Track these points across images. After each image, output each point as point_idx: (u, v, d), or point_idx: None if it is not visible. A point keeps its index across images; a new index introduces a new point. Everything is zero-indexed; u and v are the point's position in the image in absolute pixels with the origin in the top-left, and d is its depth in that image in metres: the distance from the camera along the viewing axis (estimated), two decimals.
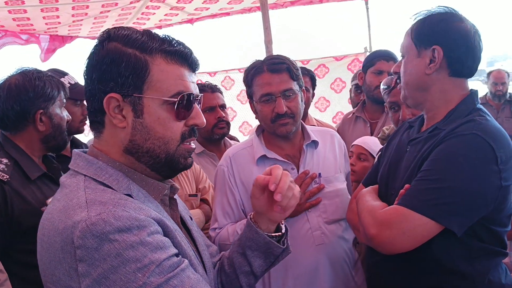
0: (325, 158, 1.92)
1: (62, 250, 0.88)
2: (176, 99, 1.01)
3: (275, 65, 1.79)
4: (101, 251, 0.85)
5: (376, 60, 2.92)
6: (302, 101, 1.86)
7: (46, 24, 4.40)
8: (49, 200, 1.75)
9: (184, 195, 2.32)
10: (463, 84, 1.48)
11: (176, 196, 1.19)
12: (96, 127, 1.05)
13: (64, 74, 2.31)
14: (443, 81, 1.45)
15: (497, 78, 5.19)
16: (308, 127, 1.97)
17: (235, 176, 1.88)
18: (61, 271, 0.89)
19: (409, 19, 1.52)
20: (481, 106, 1.46)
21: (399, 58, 1.58)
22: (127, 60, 0.97)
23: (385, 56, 2.92)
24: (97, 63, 0.99)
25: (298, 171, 1.85)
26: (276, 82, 1.78)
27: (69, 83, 2.25)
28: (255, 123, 3.24)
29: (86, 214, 0.88)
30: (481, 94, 5.09)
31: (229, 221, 1.86)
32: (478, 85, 4.50)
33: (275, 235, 1.25)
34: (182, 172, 2.28)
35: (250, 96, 1.91)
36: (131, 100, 0.99)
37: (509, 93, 5.24)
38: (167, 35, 1.04)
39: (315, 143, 1.90)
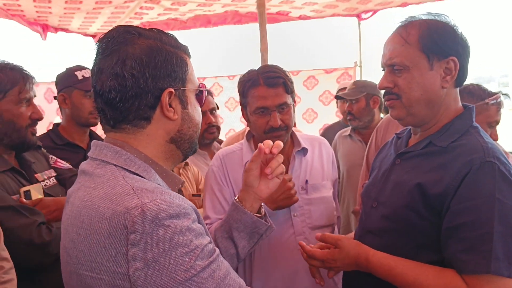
0: (313, 165, 1.95)
1: (109, 236, 0.91)
2: (203, 88, 1.17)
3: (272, 79, 1.80)
4: (154, 236, 0.89)
5: None
6: (294, 113, 1.91)
7: (36, 12, 4.36)
8: (24, 188, 1.77)
9: (188, 195, 2.41)
10: (458, 96, 1.41)
11: None
12: (138, 124, 1.06)
13: (82, 68, 2.37)
14: (449, 93, 1.37)
15: None
16: (298, 134, 2.00)
17: (226, 174, 1.92)
18: (105, 257, 0.92)
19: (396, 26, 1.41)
20: (477, 125, 1.39)
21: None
22: (176, 57, 1.08)
23: None
24: (149, 61, 1.03)
25: None
26: (272, 96, 1.80)
27: (83, 76, 2.33)
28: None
29: (139, 201, 0.92)
30: None
31: (220, 216, 1.89)
32: None
33: (258, 216, 1.41)
34: (183, 173, 2.50)
35: (243, 105, 1.92)
36: (179, 93, 1.09)
37: None
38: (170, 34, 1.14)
39: (304, 151, 1.94)
